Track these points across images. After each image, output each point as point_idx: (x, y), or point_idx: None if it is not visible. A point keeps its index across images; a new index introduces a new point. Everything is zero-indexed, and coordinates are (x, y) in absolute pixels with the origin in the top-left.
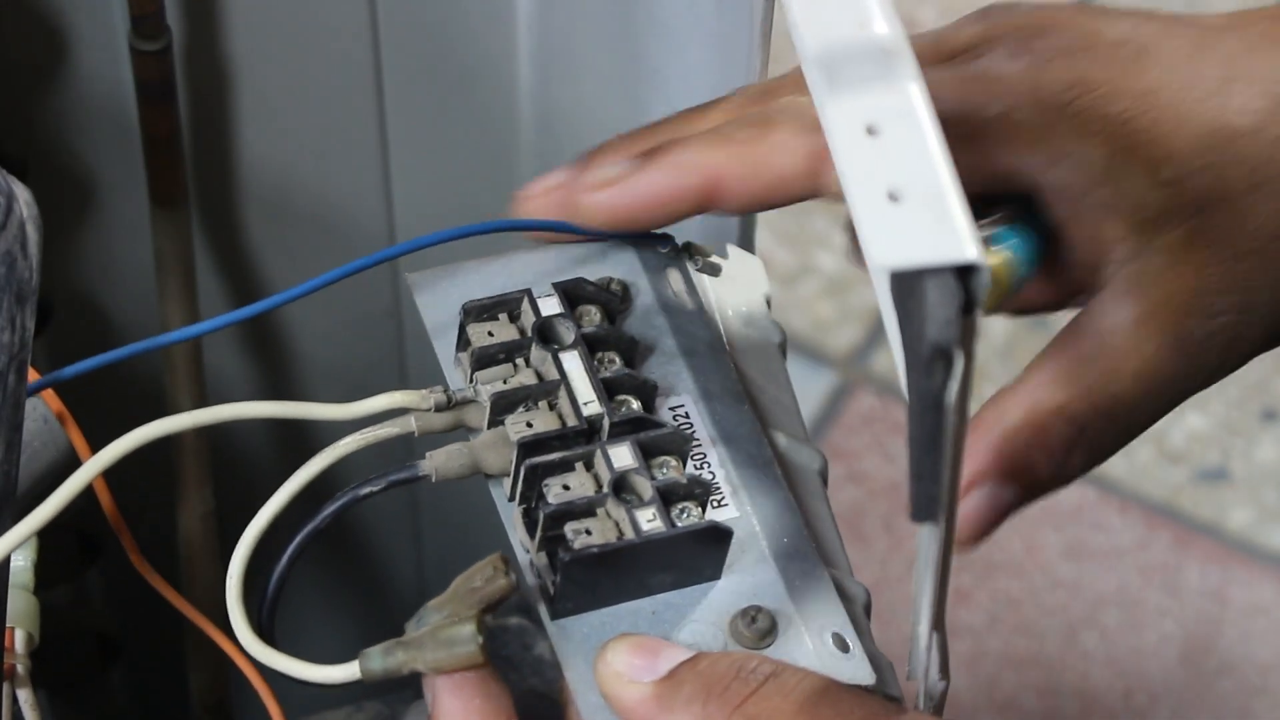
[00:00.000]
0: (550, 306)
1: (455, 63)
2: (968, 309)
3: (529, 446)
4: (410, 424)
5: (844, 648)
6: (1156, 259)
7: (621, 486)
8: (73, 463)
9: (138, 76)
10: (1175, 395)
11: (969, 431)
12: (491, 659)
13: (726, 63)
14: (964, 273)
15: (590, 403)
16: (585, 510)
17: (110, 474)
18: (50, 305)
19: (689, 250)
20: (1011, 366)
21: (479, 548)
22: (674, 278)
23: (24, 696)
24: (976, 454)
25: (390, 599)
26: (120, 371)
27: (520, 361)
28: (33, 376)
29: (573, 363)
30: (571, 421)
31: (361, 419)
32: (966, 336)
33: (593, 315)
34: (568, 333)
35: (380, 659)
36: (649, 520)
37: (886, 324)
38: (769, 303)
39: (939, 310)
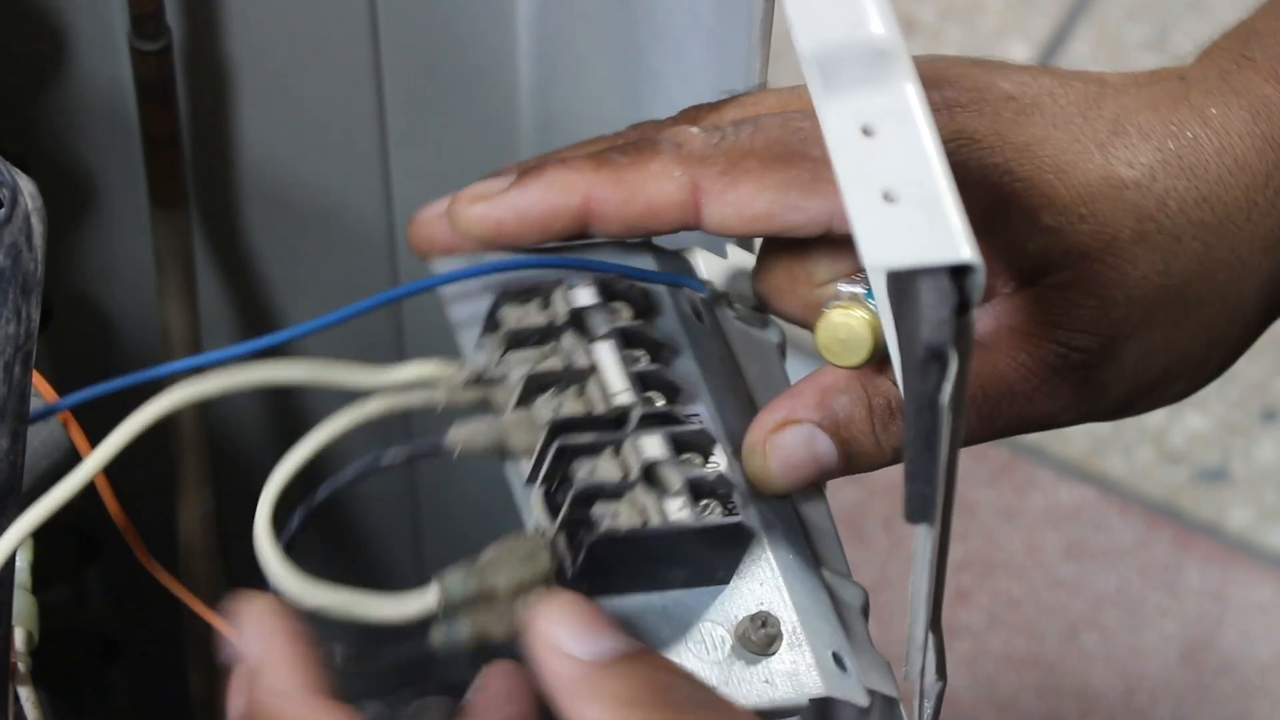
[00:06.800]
0: (586, 297)
1: (455, 63)
2: (962, 310)
3: (559, 427)
4: (438, 395)
5: (842, 667)
6: (1031, 292)
7: (651, 475)
8: (73, 462)
9: (138, 76)
10: (1025, 415)
11: (802, 379)
12: (492, 658)
13: (726, 63)
14: (959, 273)
15: (621, 393)
16: (614, 493)
17: (110, 474)
18: (50, 305)
19: (726, 299)
20: None
21: (477, 541)
22: (692, 295)
23: (25, 695)
24: (800, 395)
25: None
26: (120, 374)
27: (550, 347)
28: (35, 378)
29: (605, 353)
30: (600, 409)
31: (391, 385)
32: (961, 337)
33: (624, 312)
34: (602, 324)
35: (460, 582)
36: (677, 510)
37: (883, 324)
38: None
39: (933, 311)
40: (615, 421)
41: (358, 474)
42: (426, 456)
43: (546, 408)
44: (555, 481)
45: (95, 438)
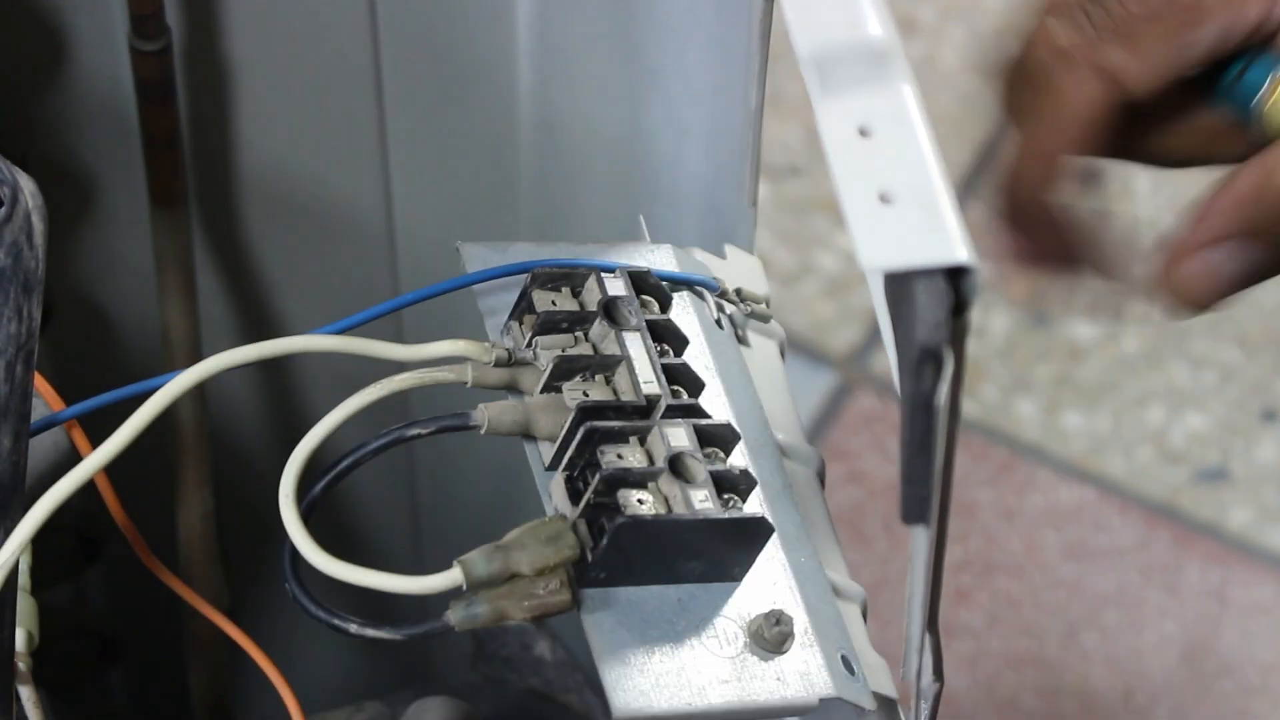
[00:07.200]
0: (617, 287)
1: (455, 63)
2: (958, 310)
3: (588, 410)
4: (466, 373)
5: (850, 670)
6: None
7: (676, 465)
8: (74, 464)
9: (138, 76)
10: None
11: (1217, 187)
12: (491, 659)
13: (726, 64)
14: (954, 274)
15: (650, 382)
16: (638, 481)
17: (111, 474)
18: (51, 305)
19: (739, 295)
20: (1012, 366)
21: (478, 534)
22: (710, 302)
23: (26, 694)
24: (1220, 211)
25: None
26: (120, 374)
27: (579, 334)
28: (38, 383)
29: (635, 343)
30: (628, 397)
31: (422, 361)
32: (957, 338)
33: (652, 307)
34: (632, 315)
35: (484, 563)
36: (702, 500)
37: (881, 325)
38: (768, 303)
39: (929, 312)
40: (642, 411)
41: (384, 444)
42: (454, 429)
43: (573, 393)
44: (579, 467)
45: (96, 439)
